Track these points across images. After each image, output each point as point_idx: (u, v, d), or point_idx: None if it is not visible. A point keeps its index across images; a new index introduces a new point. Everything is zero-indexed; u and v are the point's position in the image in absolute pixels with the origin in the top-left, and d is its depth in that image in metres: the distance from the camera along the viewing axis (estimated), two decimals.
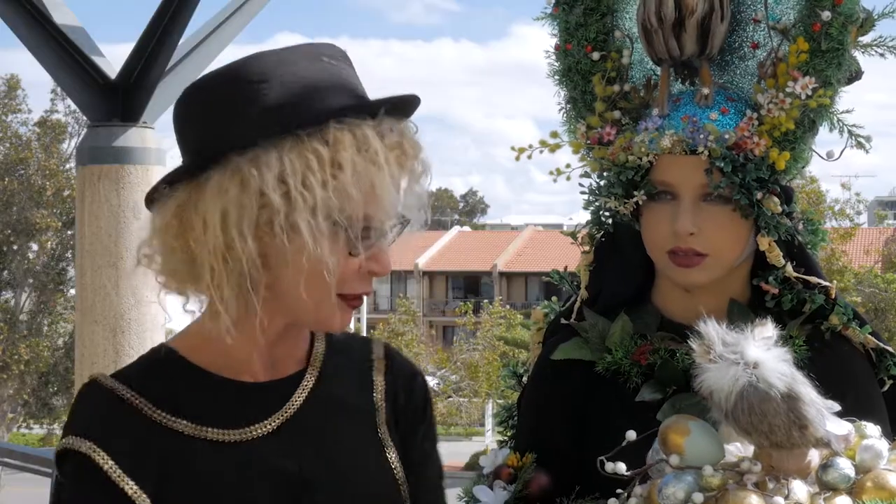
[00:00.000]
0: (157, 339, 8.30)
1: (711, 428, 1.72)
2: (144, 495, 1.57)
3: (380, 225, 1.59)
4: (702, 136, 1.97)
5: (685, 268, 2.00)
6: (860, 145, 2.07)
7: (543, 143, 2.14)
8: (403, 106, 1.65)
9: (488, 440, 29.20)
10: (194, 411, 1.63)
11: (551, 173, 2.12)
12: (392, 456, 1.73)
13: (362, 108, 1.59)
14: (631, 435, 1.76)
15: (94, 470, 1.57)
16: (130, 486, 1.57)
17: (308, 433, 1.68)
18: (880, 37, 2.07)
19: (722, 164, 1.95)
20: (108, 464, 1.57)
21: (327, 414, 1.71)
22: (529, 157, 2.13)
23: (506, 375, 2.34)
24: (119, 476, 1.57)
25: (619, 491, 1.75)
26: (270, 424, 1.66)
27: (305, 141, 1.55)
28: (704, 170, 1.97)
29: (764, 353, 1.63)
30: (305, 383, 1.71)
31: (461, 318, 35.92)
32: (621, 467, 1.72)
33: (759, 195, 1.97)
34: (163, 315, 8.32)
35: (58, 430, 25.05)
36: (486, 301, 38.21)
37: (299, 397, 1.70)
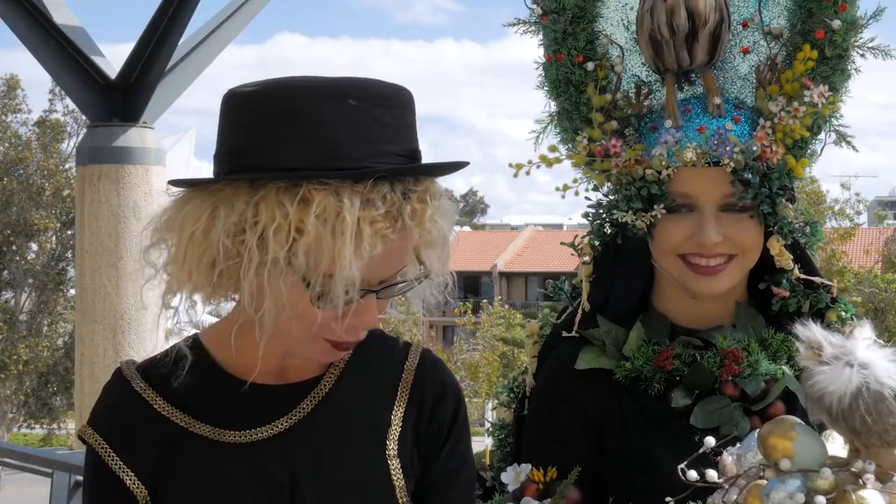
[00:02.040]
0: (157, 339, 8.29)
1: (813, 430, 1.71)
2: (143, 486, 1.63)
3: (343, 290, 1.49)
4: (727, 148, 1.96)
5: (707, 276, 1.99)
6: (847, 143, 2.07)
7: (543, 159, 2.10)
8: (432, 170, 1.58)
9: (488, 440, 29.18)
10: (200, 407, 1.65)
11: (558, 189, 2.09)
12: (396, 473, 1.69)
13: (345, 177, 1.49)
14: (710, 441, 1.71)
15: (99, 461, 1.65)
16: (130, 478, 1.63)
17: (309, 442, 1.66)
18: (860, 38, 2.07)
19: (749, 175, 1.95)
20: (110, 457, 1.64)
21: (334, 423, 1.68)
22: (528, 173, 2.10)
23: (499, 392, 2.29)
24: (119, 467, 1.64)
25: (668, 499, 1.70)
26: (272, 429, 1.66)
27: (274, 194, 1.49)
28: (730, 181, 1.96)
29: (873, 353, 1.63)
30: (318, 390, 1.69)
31: (461, 318, 35.91)
32: (712, 474, 1.67)
33: (781, 203, 1.98)
34: (162, 315, 8.33)
35: (58, 430, 25.05)
36: (485, 301, 38.20)
37: (308, 405, 1.68)
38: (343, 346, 1.61)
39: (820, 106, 1.95)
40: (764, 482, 1.66)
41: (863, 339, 1.65)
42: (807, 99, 1.95)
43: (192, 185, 1.57)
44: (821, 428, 1.67)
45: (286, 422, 1.66)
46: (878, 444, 1.63)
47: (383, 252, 1.50)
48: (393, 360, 1.75)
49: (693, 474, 1.68)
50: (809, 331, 1.65)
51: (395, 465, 1.69)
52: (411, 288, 1.60)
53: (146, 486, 1.63)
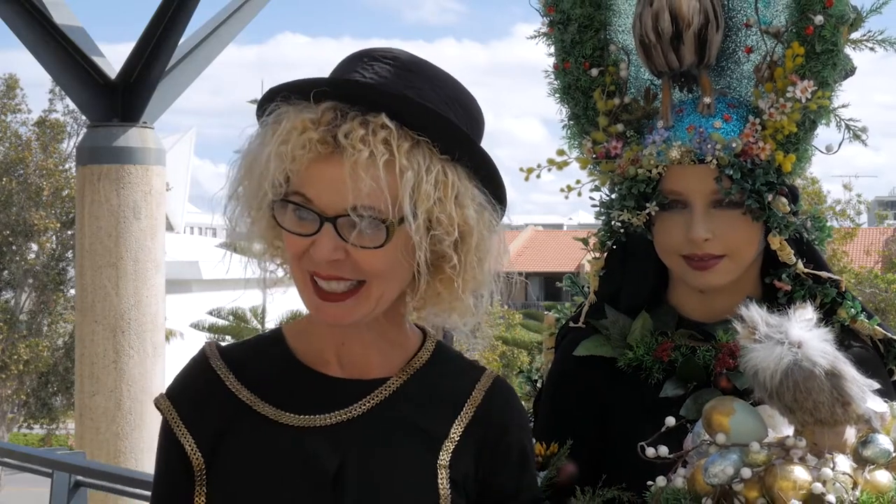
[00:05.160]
0: (157, 339, 8.29)
1: (753, 408, 1.77)
2: (200, 455, 1.73)
3: (269, 186, 1.62)
4: (709, 146, 2.01)
5: (702, 270, 2.04)
6: (857, 137, 2.10)
7: (551, 162, 2.19)
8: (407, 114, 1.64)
9: None
10: (266, 388, 1.75)
11: (562, 190, 2.18)
12: (444, 483, 1.70)
13: (294, 87, 1.64)
14: (670, 421, 1.82)
15: (167, 427, 1.78)
16: (190, 445, 1.74)
17: (362, 438, 1.70)
18: (869, 31, 2.11)
19: (731, 172, 2.00)
20: (175, 423, 1.76)
21: (391, 424, 1.72)
22: (538, 176, 2.19)
23: (521, 382, 2.38)
24: (182, 434, 1.75)
25: (649, 483, 1.78)
26: (329, 419, 1.71)
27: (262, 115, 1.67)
28: (714, 178, 2.01)
29: (807, 333, 1.68)
30: (383, 389, 1.74)
31: None
32: (664, 450, 1.77)
33: (769, 198, 2.01)
34: (162, 315, 8.34)
35: (58, 430, 25.05)
36: None
37: (370, 402, 1.73)
38: (326, 297, 1.65)
39: (804, 101, 1.99)
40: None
41: (799, 320, 1.70)
42: (789, 94, 1.99)
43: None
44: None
45: (344, 414, 1.71)
46: (810, 422, 1.69)
47: (311, 163, 1.59)
48: (464, 378, 1.79)
49: (652, 451, 1.78)
50: (748, 311, 1.71)
51: (443, 475, 1.71)
52: (359, 227, 1.59)
53: (203, 455, 1.72)
